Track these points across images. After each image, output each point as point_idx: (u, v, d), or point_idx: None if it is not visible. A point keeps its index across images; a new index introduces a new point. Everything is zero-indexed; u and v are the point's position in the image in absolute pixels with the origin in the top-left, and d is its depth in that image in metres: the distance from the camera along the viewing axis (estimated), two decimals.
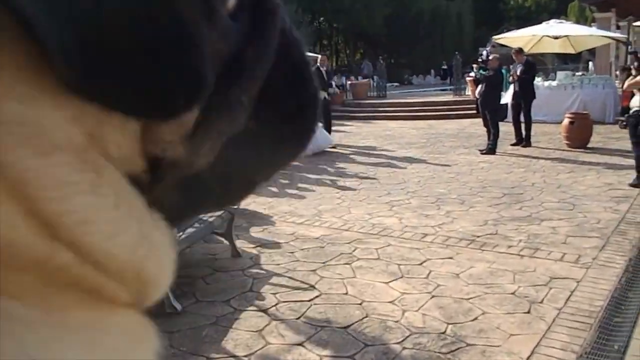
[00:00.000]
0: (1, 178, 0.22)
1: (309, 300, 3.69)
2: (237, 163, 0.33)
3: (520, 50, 10.32)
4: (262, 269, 4.33)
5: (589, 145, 9.65)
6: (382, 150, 10.55)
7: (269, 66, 0.32)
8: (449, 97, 17.36)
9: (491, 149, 9.47)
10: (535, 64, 10.73)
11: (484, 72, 9.45)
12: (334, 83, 18.82)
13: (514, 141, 10.36)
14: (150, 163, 0.28)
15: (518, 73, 9.97)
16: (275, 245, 4.89)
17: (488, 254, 4.51)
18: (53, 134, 0.23)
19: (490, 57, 9.51)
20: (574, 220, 5.35)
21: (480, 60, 10.03)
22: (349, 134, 13.58)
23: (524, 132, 10.20)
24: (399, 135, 12.82)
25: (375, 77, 21.09)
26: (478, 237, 4.95)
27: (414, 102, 17.26)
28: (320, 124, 10.34)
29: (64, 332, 0.24)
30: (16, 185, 0.22)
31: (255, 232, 5.30)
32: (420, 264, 4.30)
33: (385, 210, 5.99)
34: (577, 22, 23.99)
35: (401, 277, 4.03)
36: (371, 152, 10.36)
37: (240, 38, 0.30)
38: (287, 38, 0.35)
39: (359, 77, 24.77)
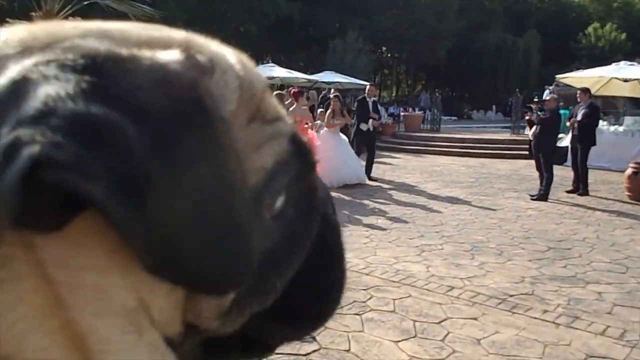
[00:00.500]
0: (70, 330, 0.27)
1: (305, 355, 3.33)
2: (257, 332, 0.39)
3: (586, 90, 9.66)
4: None
5: None
6: (425, 187, 10.08)
7: (305, 255, 0.38)
8: (506, 136, 16.66)
9: (543, 195, 8.83)
10: (599, 108, 10.05)
11: (540, 113, 8.87)
12: (384, 113, 18.50)
13: (570, 188, 9.68)
14: (185, 327, 0.33)
15: (580, 116, 9.33)
16: None
17: (519, 318, 4.01)
18: (113, 301, 0.28)
19: (547, 97, 8.91)
20: (625, 287, 4.75)
21: (536, 100, 9.41)
22: (395, 167, 13.17)
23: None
24: (446, 172, 12.30)
25: (430, 110, 20.64)
26: (511, 296, 4.45)
27: (467, 138, 16.66)
28: (354, 157, 10.05)
29: None
30: (77, 336, 0.27)
31: None
32: (439, 322, 3.86)
33: (414, 255, 5.56)
34: None
35: (414, 337, 3.61)
36: (413, 188, 9.91)
37: (282, 231, 0.36)
38: (326, 225, 0.41)
39: (416, 109, 24.36)
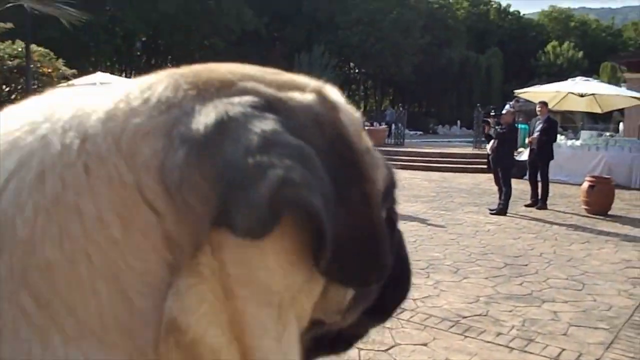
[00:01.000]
0: (234, 318, 0.32)
1: None
2: (355, 327, 0.46)
3: (545, 104, 9.68)
4: None
5: (610, 213, 8.88)
6: None
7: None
8: (468, 150, 16.71)
9: (502, 210, 8.75)
10: (557, 123, 10.08)
11: (497, 127, 8.82)
12: None
13: (529, 202, 9.64)
14: (312, 323, 0.39)
15: (538, 129, 9.33)
16: None
17: (471, 342, 3.79)
18: (274, 296, 0.33)
19: (504, 112, 8.88)
20: (581, 305, 4.60)
21: (492, 113, 9.37)
22: None
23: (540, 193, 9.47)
24: (408, 186, 12.17)
25: (396, 124, 20.64)
26: (464, 317, 4.24)
27: (430, 152, 16.66)
28: None
29: None
30: (238, 323, 0.32)
31: None
32: (386, 350, 3.61)
33: None
34: (609, 82, 23.27)
35: None
36: None
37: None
38: (401, 240, 0.51)
39: (382, 123, 24.36)
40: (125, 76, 27.34)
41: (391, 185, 0.44)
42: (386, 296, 0.46)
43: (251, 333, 0.32)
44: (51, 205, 0.30)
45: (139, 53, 37.72)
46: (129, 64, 37.24)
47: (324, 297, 0.38)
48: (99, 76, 14.63)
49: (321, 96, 0.38)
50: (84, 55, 30.20)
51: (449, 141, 25.58)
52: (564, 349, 3.70)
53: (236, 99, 0.34)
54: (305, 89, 0.38)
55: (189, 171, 0.31)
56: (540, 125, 9.21)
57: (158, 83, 0.35)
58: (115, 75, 19.65)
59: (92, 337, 0.29)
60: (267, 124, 0.32)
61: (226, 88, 0.35)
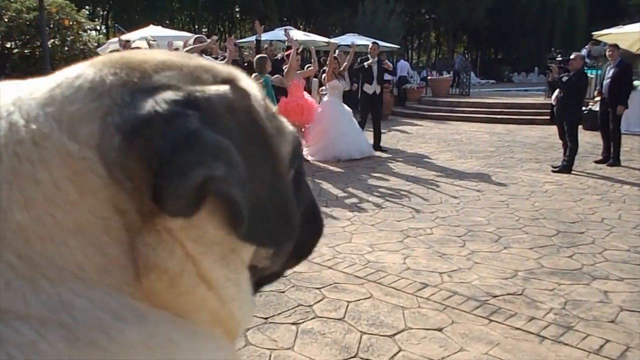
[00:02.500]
0: (203, 277, 0.41)
1: None
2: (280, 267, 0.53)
3: (616, 47, 8.52)
4: None
5: None
6: (437, 158, 9.23)
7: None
8: (538, 100, 15.39)
9: (565, 167, 7.88)
10: (631, 66, 8.85)
11: (561, 75, 7.84)
12: (416, 78, 17.58)
13: (599, 157, 8.67)
14: (250, 268, 0.46)
15: (609, 75, 8.24)
16: None
17: (495, 328, 3.27)
18: (226, 257, 0.42)
19: (572, 57, 7.85)
20: (639, 284, 3.93)
21: (559, 58, 8.34)
22: (411, 135, 12.29)
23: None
24: (467, 140, 11.36)
25: (461, 74, 19.35)
26: (494, 297, 3.70)
27: (495, 103, 15.49)
28: (356, 129, 9.25)
29: (200, 334, 0.41)
30: (206, 278, 0.41)
31: None
32: (393, 335, 3.17)
33: (394, 242, 4.84)
34: None
35: (352, 358, 2.93)
36: (423, 159, 9.09)
37: (293, 190, 0.49)
38: (308, 189, 0.57)
39: (450, 72, 23.01)
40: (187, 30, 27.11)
41: (297, 146, 0.49)
42: (302, 240, 0.52)
43: (219, 283, 0.42)
44: (12, 176, 0.35)
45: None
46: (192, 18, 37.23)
47: (255, 251, 0.46)
48: (152, 29, 14.47)
49: (233, 84, 0.43)
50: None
51: (525, 90, 23.88)
52: (607, 341, 3.12)
53: (160, 96, 0.38)
54: (217, 77, 0.43)
55: (124, 155, 0.36)
56: (612, 71, 8.11)
57: (85, 72, 0.41)
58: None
59: (75, 278, 0.35)
60: (189, 121, 0.37)
61: (146, 78, 0.40)
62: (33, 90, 0.39)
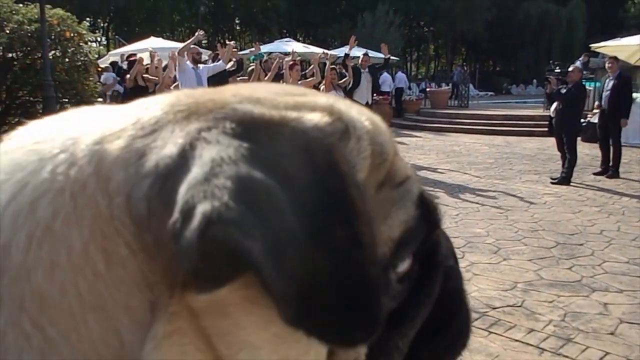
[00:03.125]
0: None
1: None
2: None
3: (616, 59, 8.58)
4: None
5: None
6: (437, 169, 9.25)
7: (428, 312, 0.40)
8: (537, 112, 15.46)
9: (564, 179, 7.90)
10: (630, 79, 8.90)
11: (559, 87, 7.88)
12: (414, 90, 17.64)
13: (598, 169, 8.69)
14: None
15: (608, 87, 8.29)
16: None
17: (495, 340, 3.27)
18: (264, 354, 0.32)
19: (570, 69, 7.90)
20: (638, 296, 3.92)
21: (557, 70, 8.39)
22: (410, 147, 12.32)
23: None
24: (466, 152, 11.39)
25: (459, 86, 19.47)
26: (493, 308, 3.70)
27: (494, 115, 15.57)
28: None
29: None
30: None
31: None
32: None
33: None
34: None
35: None
36: (421, 171, 9.10)
37: (406, 294, 0.39)
38: (449, 278, 0.43)
39: (449, 84, 23.14)
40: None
41: (421, 227, 0.39)
42: (422, 353, 0.40)
43: None
44: (42, 234, 0.31)
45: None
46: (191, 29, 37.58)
47: (331, 355, 0.35)
48: (152, 41, 14.59)
49: (327, 121, 0.35)
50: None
51: (524, 102, 24.01)
52: (607, 353, 3.11)
53: (209, 124, 0.32)
54: (316, 110, 0.35)
55: (155, 205, 0.30)
56: (611, 83, 8.16)
57: (161, 101, 0.35)
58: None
59: None
60: (221, 151, 0.29)
61: (215, 111, 0.33)
62: (105, 119, 0.34)
